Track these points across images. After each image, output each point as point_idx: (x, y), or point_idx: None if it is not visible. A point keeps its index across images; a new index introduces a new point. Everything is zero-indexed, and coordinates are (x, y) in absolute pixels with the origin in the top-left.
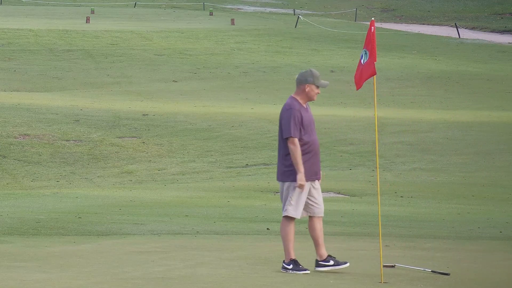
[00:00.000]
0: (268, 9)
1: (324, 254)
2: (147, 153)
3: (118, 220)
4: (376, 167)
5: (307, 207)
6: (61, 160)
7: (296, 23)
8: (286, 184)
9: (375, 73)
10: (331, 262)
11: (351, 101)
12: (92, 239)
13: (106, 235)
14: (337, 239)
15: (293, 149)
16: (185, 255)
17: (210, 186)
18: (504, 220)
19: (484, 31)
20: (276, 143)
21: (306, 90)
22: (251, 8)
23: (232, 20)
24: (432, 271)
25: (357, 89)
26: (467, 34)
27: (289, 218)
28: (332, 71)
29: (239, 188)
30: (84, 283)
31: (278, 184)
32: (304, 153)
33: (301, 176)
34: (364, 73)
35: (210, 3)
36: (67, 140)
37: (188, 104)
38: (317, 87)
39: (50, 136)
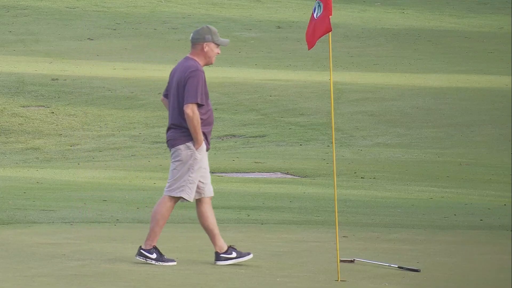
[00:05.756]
0: None
1: (224, 245)
2: (57, 125)
3: (22, 206)
4: (332, 142)
5: (203, 186)
6: None
7: None
8: (181, 152)
9: (330, 30)
10: (234, 254)
11: (301, 63)
12: None
13: (8, 223)
14: (286, 229)
15: (192, 116)
16: (102, 248)
17: (132, 164)
18: (485, 206)
19: None
20: None
21: (205, 49)
22: None
23: None
24: (399, 267)
25: (309, 49)
26: None
27: (175, 199)
28: (278, 27)
29: (167, 167)
30: None
31: (213, 164)
32: (207, 122)
33: (199, 145)
34: (317, 30)
35: None
36: None
37: (106, 66)
38: (217, 45)
39: None
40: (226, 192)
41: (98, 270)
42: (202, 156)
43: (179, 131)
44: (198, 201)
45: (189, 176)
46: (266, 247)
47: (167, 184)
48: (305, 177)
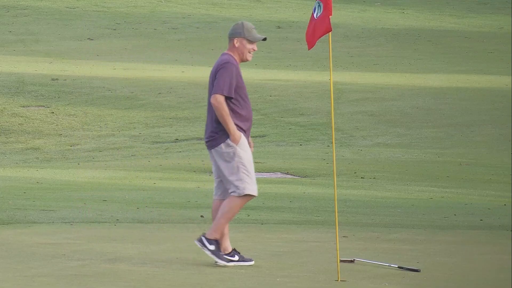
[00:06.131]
0: None
1: (229, 247)
2: (57, 125)
3: (22, 206)
4: (332, 142)
5: (221, 185)
6: None
7: None
8: (220, 152)
9: (330, 30)
10: (236, 257)
11: (301, 63)
12: None
13: (8, 223)
14: (286, 229)
15: (218, 107)
16: (102, 248)
17: (132, 164)
18: (485, 206)
19: None
20: None
21: (236, 45)
22: None
23: None
24: (399, 267)
25: (309, 49)
26: None
27: (247, 196)
28: (278, 27)
29: (167, 168)
30: None
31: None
32: (245, 118)
33: (235, 137)
34: (317, 30)
35: None
36: None
37: (106, 66)
38: (250, 41)
39: None
40: None
41: (98, 270)
42: (245, 151)
43: (217, 129)
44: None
45: (242, 173)
46: (266, 247)
47: (228, 188)
48: (305, 177)
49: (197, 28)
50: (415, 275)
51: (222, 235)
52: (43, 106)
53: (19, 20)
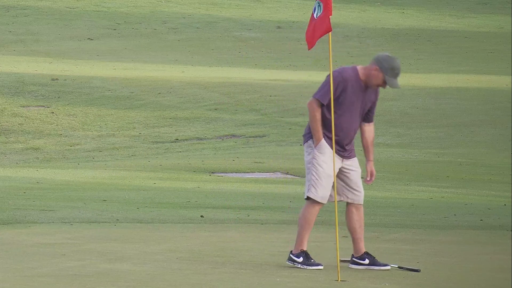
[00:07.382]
0: None
1: (362, 249)
2: (57, 125)
3: (22, 206)
4: (332, 142)
5: (341, 190)
6: None
7: None
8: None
9: (330, 30)
10: (367, 261)
11: (302, 63)
12: None
13: (8, 223)
14: (286, 229)
15: (309, 110)
16: (102, 248)
17: (132, 164)
18: (485, 206)
19: None
20: (212, 113)
21: (373, 72)
22: None
23: None
24: (399, 267)
25: (309, 49)
26: None
27: (314, 202)
28: (278, 27)
29: (167, 168)
30: None
31: (213, 164)
32: (336, 129)
33: (315, 141)
34: (317, 30)
35: None
36: None
37: (106, 66)
38: (384, 81)
39: None
40: (226, 192)
41: (98, 270)
42: (324, 157)
43: (309, 127)
44: (347, 204)
45: (312, 175)
46: (266, 247)
47: None
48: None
49: (197, 28)
50: (415, 275)
51: (353, 239)
52: (43, 106)
53: (19, 20)
